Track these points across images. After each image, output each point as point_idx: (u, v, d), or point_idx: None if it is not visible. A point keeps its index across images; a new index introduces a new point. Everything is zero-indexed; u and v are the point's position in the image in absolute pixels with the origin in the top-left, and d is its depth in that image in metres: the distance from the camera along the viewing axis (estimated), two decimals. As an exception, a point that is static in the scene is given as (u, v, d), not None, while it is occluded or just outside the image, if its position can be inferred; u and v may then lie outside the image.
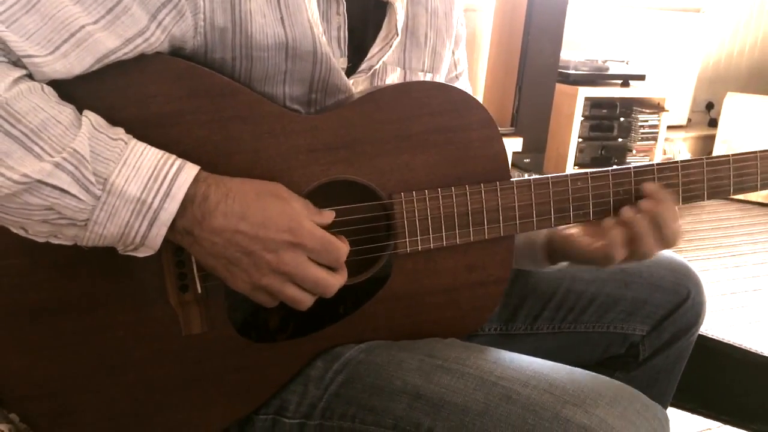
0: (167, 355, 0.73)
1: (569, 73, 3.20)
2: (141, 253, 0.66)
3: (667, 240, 0.80)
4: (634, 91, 3.35)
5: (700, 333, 1.06)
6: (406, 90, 0.77)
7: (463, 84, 1.02)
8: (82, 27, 0.62)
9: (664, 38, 3.67)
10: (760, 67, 4.23)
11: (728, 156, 0.87)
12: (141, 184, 0.62)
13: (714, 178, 0.86)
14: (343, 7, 0.78)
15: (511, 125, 2.92)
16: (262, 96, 0.72)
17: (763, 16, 4.15)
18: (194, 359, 0.74)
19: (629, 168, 0.83)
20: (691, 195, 0.85)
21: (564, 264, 0.90)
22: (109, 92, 0.66)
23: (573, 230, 0.88)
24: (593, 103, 3.23)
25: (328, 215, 0.72)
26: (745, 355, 1.21)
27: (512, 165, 2.90)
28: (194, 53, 0.70)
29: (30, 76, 0.61)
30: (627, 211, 0.81)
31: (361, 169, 0.75)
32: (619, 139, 3.34)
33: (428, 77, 0.91)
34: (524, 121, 2.94)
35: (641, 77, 3.37)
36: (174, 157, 0.65)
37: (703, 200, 0.87)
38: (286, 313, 0.78)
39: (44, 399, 0.71)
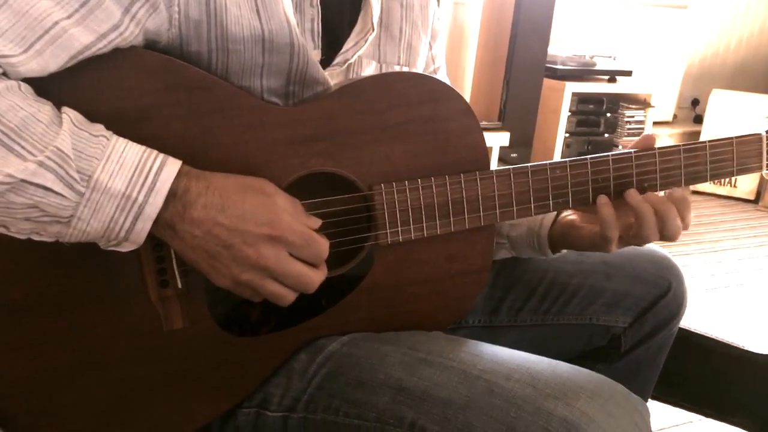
0: (149, 351, 0.73)
1: (557, 68, 3.19)
2: (124, 248, 0.65)
3: (668, 235, 0.83)
4: (621, 86, 3.35)
5: (682, 327, 1.07)
6: (385, 81, 0.77)
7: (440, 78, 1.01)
8: (56, 23, 0.61)
9: (651, 34, 3.68)
10: (745, 64, 4.26)
11: (705, 142, 0.88)
12: (125, 179, 0.62)
13: (691, 164, 0.87)
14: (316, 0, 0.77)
15: (499, 120, 2.92)
16: (239, 89, 0.72)
17: (748, 13, 4.18)
18: (176, 355, 0.74)
19: (607, 156, 0.84)
20: (669, 181, 0.87)
21: (565, 251, 0.93)
22: (85, 88, 0.65)
23: (572, 218, 0.90)
24: (580, 99, 3.23)
25: (315, 221, 0.71)
26: (727, 349, 1.22)
27: (499, 159, 2.91)
28: (169, 46, 0.69)
29: (5, 75, 0.60)
30: (633, 195, 0.82)
31: (340, 161, 0.74)
32: (606, 135, 3.34)
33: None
34: (511, 116, 2.94)
35: (628, 73, 3.37)
36: (156, 152, 0.64)
37: (681, 186, 0.88)
38: (268, 307, 0.78)
39: (24, 398, 0.70)
